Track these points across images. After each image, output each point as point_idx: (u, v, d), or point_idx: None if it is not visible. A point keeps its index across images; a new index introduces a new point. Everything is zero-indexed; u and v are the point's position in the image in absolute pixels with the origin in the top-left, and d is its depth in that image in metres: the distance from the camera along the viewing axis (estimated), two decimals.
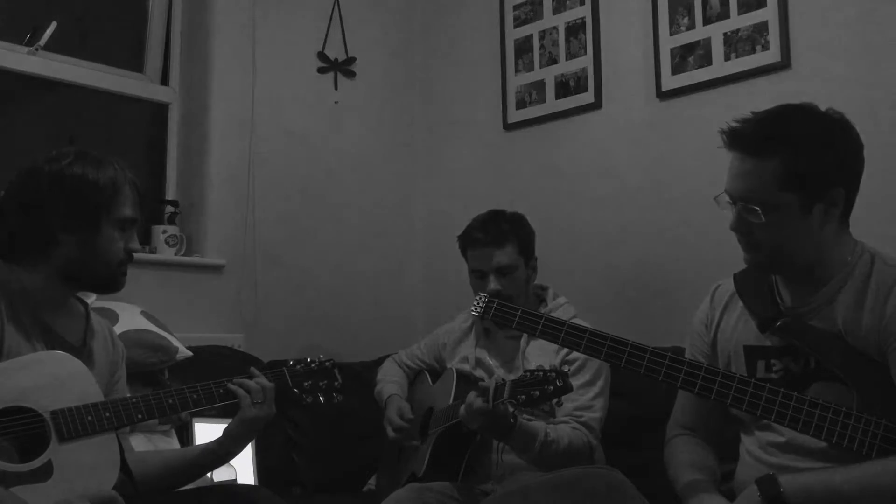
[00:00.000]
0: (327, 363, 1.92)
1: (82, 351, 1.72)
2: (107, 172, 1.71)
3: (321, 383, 1.88)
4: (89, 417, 1.59)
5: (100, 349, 1.79)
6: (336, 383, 1.90)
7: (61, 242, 1.68)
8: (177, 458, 1.85)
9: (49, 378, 1.60)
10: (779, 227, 1.59)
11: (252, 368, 1.84)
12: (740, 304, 1.78)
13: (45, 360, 1.63)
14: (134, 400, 1.67)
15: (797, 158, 1.56)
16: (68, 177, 1.68)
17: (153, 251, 2.97)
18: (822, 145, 1.58)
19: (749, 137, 1.60)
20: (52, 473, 1.53)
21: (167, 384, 2.45)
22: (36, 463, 1.52)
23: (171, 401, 1.70)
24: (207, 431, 2.42)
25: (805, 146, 1.57)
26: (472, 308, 1.87)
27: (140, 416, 1.66)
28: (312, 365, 1.90)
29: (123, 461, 1.65)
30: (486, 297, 1.85)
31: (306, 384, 1.87)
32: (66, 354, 1.65)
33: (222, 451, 1.82)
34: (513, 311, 1.78)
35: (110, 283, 1.76)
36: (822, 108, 1.73)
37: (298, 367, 1.89)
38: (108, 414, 1.61)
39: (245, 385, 1.77)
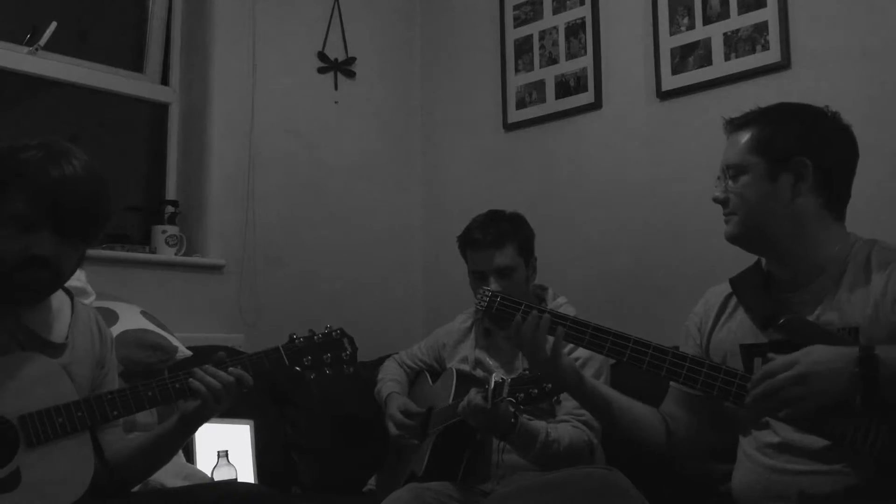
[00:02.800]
0: (334, 333, 1.76)
1: (62, 347, 1.65)
2: (14, 161, 1.54)
3: (325, 356, 1.73)
4: (60, 419, 1.52)
5: (84, 343, 1.72)
6: (344, 354, 1.74)
7: None
8: (146, 443, 1.74)
9: (19, 381, 1.52)
10: (749, 189, 1.69)
11: (221, 356, 1.69)
12: (734, 306, 1.80)
13: (15, 363, 1.55)
14: (109, 396, 1.58)
15: (766, 127, 1.70)
16: None
17: (153, 251, 2.97)
18: (789, 117, 1.72)
19: (738, 118, 1.76)
20: (20, 482, 1.46)
21: None
22: (3, 472, 1.47)
23: (150, 393, 1.60)
24: (208, 430, 2.41)
25: (774, 117, 1.72)
26: (476, 303, 1.84)
27: (116, 413, 1.57)
28: (316, 338, 1.75)
29: (102, 455, 1.60)
30: (489, 291, 1.82)
31: (306, 360, 1.72)
32: (36, 354, 1.58)
33: (181, 431, 1.70)
34: (516, 305, 1.77)
35: (7, 289, 1.57)
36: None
37: (298, 341, 1.73)
38: (80, 413, 1.54)
39: (209, 385, 1.62)
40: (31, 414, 1.51)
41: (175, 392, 1.62)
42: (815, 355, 1.46)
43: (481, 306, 1.81)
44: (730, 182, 1.72)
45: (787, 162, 1.66)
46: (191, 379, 1.62)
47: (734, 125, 1.76)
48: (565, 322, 1.72)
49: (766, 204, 1.68)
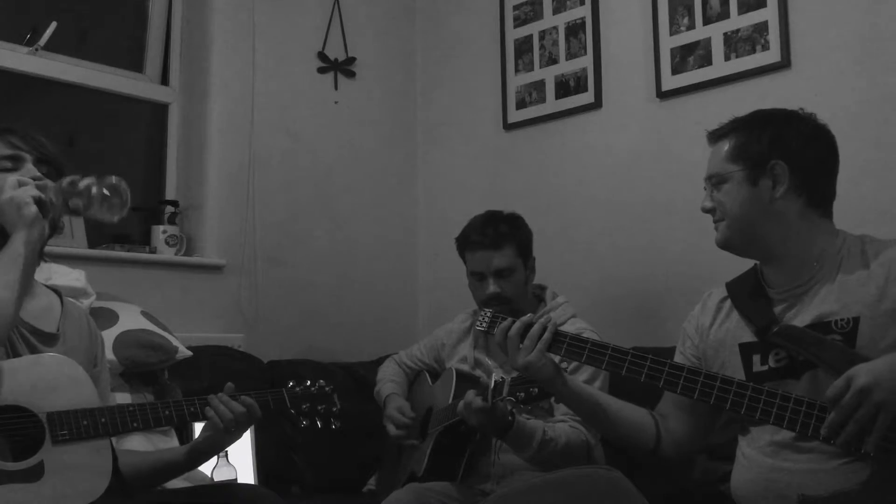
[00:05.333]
0: (327, 388, 1.91)
1: (56, 337, 1.70)
2: None
3: (319, 407, 1.88)
4: (85, 422, 1.59)
5: (75, 337, 1.76)
6: (335, 409, 1.90)
7: None
8: (148, 463, 1.84)
9: (48, 380, 1.59)
10: (732, 196, 1.75)
11: (230, 387, 1.78)
12: (729, 307, 1.83)
13: (46, 363, 1.62)
14: (131, 408, 1.68)
15: (741, 135, 1.77)
16: None
17: (153, 251, 2.97)
18: (762, 123, 1.77)
19: (718, 130, 1.82)
20: (44, 474, 1.52)
21: (167, 384, 2.45)
22: (27, 462, 1.52)
23: (167, 412, 1.71)
24: None
25: (748, 126, 1.77)
26: (478, 324, 1.92)
27: (136, 425, 1.67)
28: (312, 389, 1.89)
29: (116, 465, 1.64)
30: (490, 312, 1.90)
31: (304, 406, 1.86)
32: (65, 358, 1.64)
33: (191, 462, 1.82)
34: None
35: None
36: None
37: (298, 389, 1.88)
38: (103, 420, 1.61)
39: (222, 414, 1.73)
40: (59, 413, 1.57)
41: (189, 415, 1.73)
42: (869, 368, 1.47)
43: (482, 327, 1.90)
44: (714, 191, 1.78)
45: (764, 167, 1.71)
46: (207, 407, 1.74)
47: (714, 136, 1.82)
48: (564, 339, 1.78)
49: (749, 209, 1.73)
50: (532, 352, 1.77)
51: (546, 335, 1.78)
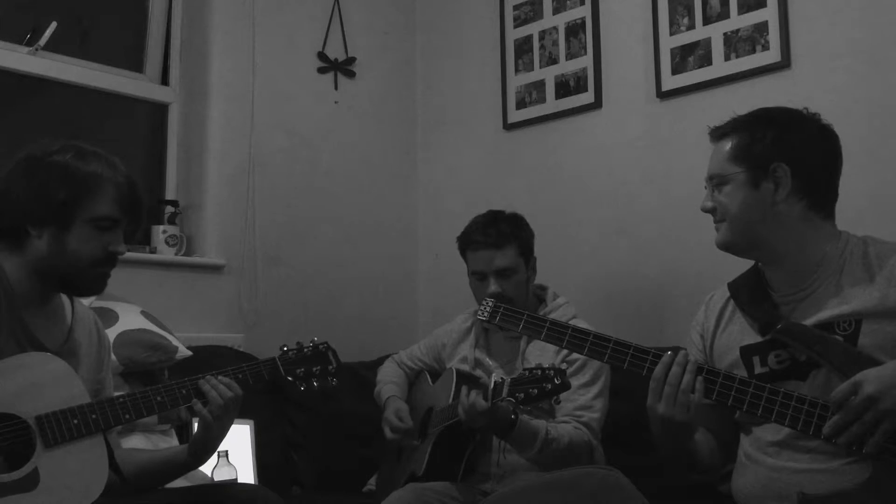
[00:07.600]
0: (321, 346, 1.86)
1: (60, 353, 1.66)
2: (87, 167, 1.64)
3: (315, 369, 1.82)
4: (75, 420, 1.54)
5: (85, 346, 1.74)
6: (331, 367, 1.84)
7: (32, 236, 1.61)
8: (151, 462, 1.80)
9: (32, 381, 1.55)
10: (733, 198, 1.72)
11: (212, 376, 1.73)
12: (732, 309, 1.82)
13: (28, 363, 1.58)
14: (121, 399, 1.62)
15: (743, 135, 1.74)
16: (43, 167, 1.62)
17: (153, 251, 2.97)
18: (765, 123, 1.74)
19: (720, 128, 1.79)
20: (39, 482, 1.48)
21: (167, 384, 2.44)
22: (22, 472, 1.48)
23: (159, 398, 1.65)
24: None
25: (751, 126, 1.74)
26: (479, 313, 1.89)
27: (128, 416, 1.61)
28: (306, 350, 1.84)
29: (113, 460, 1.62)
30: (492, 301, 1.87)
31: (299, 371, 1.80)
32: (48, 355, 1.60)
33: (193, 460, 1.77)
34: (518, 315, 1.81)
35: (81, 285, 1.66)
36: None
37: (291, 353, 1.83)
38: (94, 416, 1.57)
39: (215, 398, 1.68)
40: (48, 415, 1.53)
41: (182, 397, 1.69)
42: (877, 375, 1.47)
43: (483, 316, 1.86)
44: (715, 192, 1.76)
45: (766, 169, 1.69)
46: (193, 399, 1.69)
47: (716, 134, 1.79)
48: (566, 331, 1.74)
49: (751, 212, 1.71)
50: (690, 409, 1.62)
51: (699, 386, 1.62)
